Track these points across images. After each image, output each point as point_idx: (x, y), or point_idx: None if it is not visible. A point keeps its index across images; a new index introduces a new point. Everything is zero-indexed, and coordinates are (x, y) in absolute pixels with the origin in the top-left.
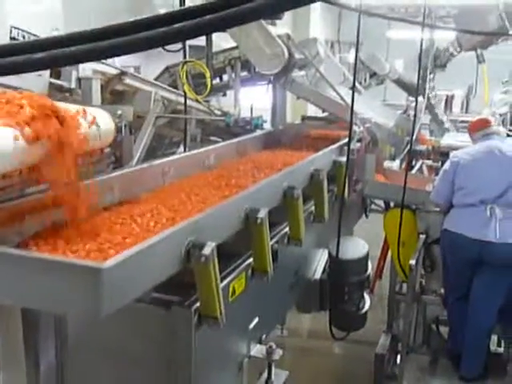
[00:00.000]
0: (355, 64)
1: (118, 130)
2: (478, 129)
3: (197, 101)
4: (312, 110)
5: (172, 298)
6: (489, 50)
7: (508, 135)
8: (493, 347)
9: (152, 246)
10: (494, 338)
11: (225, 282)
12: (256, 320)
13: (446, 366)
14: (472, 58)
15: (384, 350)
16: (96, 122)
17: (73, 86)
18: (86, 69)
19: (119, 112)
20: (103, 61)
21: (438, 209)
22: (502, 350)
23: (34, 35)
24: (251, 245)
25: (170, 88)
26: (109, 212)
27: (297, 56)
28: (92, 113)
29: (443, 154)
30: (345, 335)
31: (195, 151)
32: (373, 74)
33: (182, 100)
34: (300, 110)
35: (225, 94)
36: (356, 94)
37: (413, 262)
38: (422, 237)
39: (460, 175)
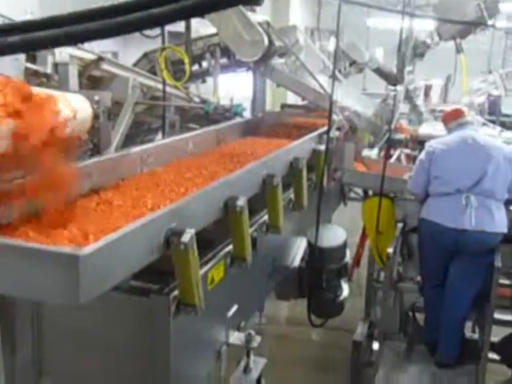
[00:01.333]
0: (335, 52)
1: (96, 116)
2: (452, 119)
3: (176, 87)
4: (292, 98)
5: (150, 286)
6: (467, 40)
7: (485, 124)
8: (468, 333)
9: (131, 232)
10: (469, 324)
11: (204, 269)
12: (235, 307)
13: (421, 353)
14: (451, 47)
15: (361, 337)
16: (73, 107)
17: (49, 71)
18: (63, 54)
19: (97, 98)
20: (80, 46)
21: (413, 197)
22: (476, 336)
23: (9, 19)
24: (230, 233)
25: (149, 74)
26: (86, 199)
27: (276, 43)
28: (69, 98)
29: (421, 143)
30: (323, 322)
31: (174, 138)
32: (352, 63)
33: (160, 86)
34: (280, 98)
35: (204, 81)
36: (336, 83)
37: (390, 249)
38: (400, 225)
39: (435, 164)
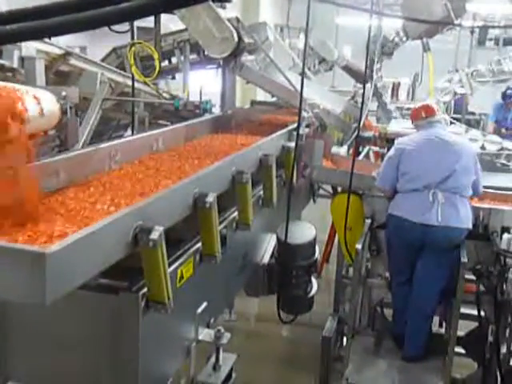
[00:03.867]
0: (304, 49)
1: (63, 111)
2: (422, 116)
3: (145, 83)
4: (261, 95)
5: (119, 284)
6: (434, 39)
7: (451, 122)
8: (434, 328)
9: (99, 230)
10: (436, 319)
11: (173, 266)
12: (204, 304)
13: (389, 347)
14: (418, 46)
15: (331, 332)
16: (40, 102)
17: (15, 65)
18: (30, 48)
19: (64, 93)
20: (47, 40)
21: (382, 194)
22: (443, 330)
23: None
24: (200, 229)
25: (118, 70)
26: (53, 196)
27: (246, 40)
28: (35, 93)
29: (389, 141)
30: (292, 319)
31: (143, 134)
32: (322, 60)
33: (129, 82)
34: (249, 95)
35: (174, 77)
36: (305, 80)
37: (359, 246)
38: (368, 221)
39: (404, 161)
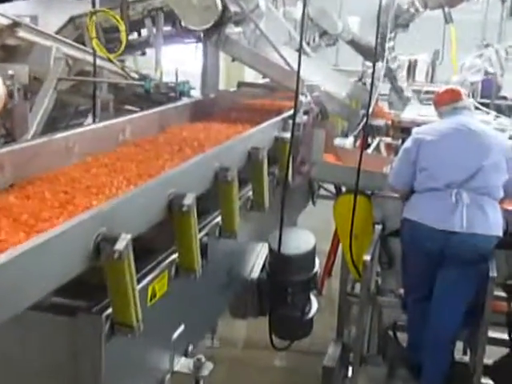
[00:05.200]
0: (302, 21)
1: (10, 94)
2: (446, 102)
3: (109, 60)
4: (251, 75)
5: (78, 303)
6: (457, 8)
7: (477, 108)
8: (457, 355)
9: (52, 239)
10: (459, 344)
11: (143, 282)
12: (181, 328)
13: (404, 378)
14: (439, 17)
15: (333, 361)
16: None
17: None
18: None
19: (11, 72)
20: None
21: (396, 195)
22: (467, 358)
23: None
24: (176, 238)
25: (76, 44)
26: None
27: (232, 9)
28: None
29: (404, 131)
30: (287, 345)
31: (106, 123)
32: (323, 34)
33: (90, 59)
34: (236, 75)
35: (144, 53)
36: (303, 57)
37: (367, 257)
38: (378, 227)
39: (423, 154)
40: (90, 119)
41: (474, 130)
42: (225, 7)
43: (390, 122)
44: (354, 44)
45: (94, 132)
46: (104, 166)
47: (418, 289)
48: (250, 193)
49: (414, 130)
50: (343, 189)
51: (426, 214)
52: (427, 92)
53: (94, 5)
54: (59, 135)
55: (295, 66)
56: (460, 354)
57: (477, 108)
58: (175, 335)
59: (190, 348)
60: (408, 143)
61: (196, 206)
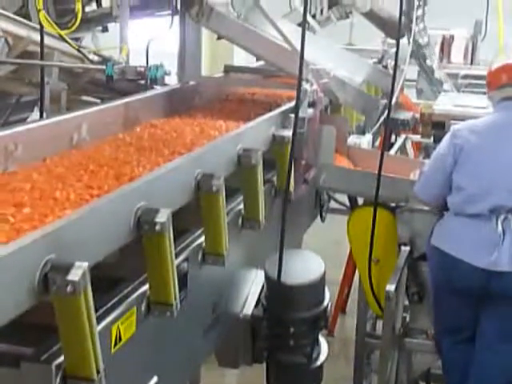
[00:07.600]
0: None
1: None
2: (503, 84)
3: (61, 38)
4: (241, 57)
5: (22, 350)
6: None
7: None
8: None
9: None
10: None
11: (104, 322)
12: (154, 380)
13: None
14: None
15: None
16: None
17: None
18: None
19: None
20: None
21: (427, 207)
22: None
23: None
24: (147, 264)
25: (18, 18)
26: None
27: None
28: None
29: (436, 126)
30: None
31: (57, 118)
32: (333, 4)
33: (36, 37)
34: (223, 57)
35: (105, 29)
36: (308, 33)
37: (391, 287)
38: (405, 250)
39: (463, 168)
40: (36, 113)
41: None
42: None
43: (418, 115)
44: (372, 16)
45: (41, 130)
46: (50, 173)
47: (455, 329)
48: (241, 206)
49: (454, 128)
50: (360, 200)
51: (463, 245)
52: (466, 76)
53: None
54: None
55: (298, 45)
56: None
57: None
58: None
59: None
60: (443, 145)
61: (172, 224)
